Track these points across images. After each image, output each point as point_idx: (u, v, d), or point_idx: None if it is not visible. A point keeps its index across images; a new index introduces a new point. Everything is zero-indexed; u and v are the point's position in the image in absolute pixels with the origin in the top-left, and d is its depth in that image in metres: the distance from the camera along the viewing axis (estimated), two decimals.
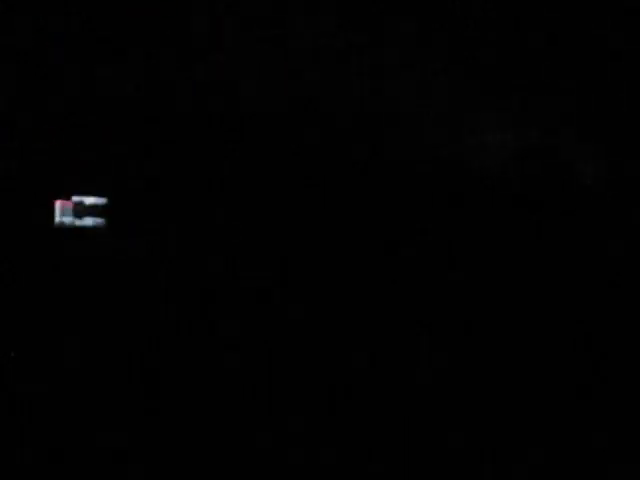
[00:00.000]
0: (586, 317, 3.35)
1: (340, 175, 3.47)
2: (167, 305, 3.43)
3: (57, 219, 3.45)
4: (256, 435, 3.28)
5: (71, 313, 3.37)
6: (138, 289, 3.40)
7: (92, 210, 3.48)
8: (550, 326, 3.36)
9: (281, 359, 3.38)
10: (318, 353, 3.39)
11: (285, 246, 3.47)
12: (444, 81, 3.33)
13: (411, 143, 3.42)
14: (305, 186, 3.49)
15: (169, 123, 3.44)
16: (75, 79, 3.37)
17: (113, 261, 3.43)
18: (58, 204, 3.45)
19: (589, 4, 3.20)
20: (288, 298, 3.43)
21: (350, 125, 3.43)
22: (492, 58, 3.36)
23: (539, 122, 3.40)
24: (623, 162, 3.32)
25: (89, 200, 3.47)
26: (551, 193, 3.41)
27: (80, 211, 3.47)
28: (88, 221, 3.46)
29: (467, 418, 3.29)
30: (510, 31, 3.31)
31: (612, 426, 3.22)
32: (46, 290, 3.38)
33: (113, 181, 3.45)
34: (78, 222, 3.46)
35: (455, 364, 3.36)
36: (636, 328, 3.31)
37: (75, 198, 3.48)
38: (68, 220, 3.45)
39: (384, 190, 3.48)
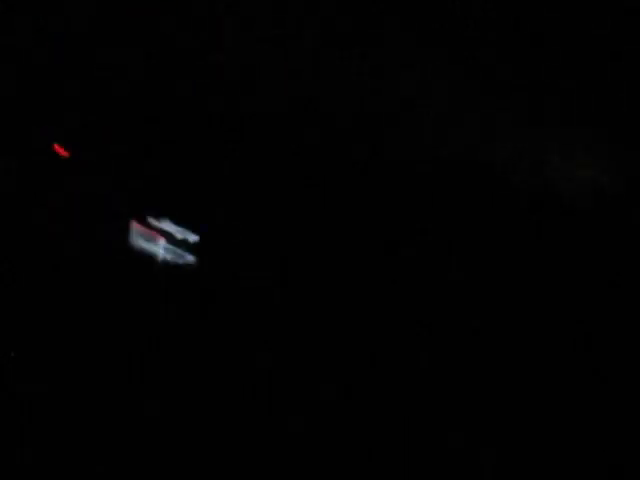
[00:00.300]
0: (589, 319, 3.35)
1: (340, 175, 3.47)
2: (167, 305, 3.43)
3: (140, 244, 3.40)
4: (256, 435, 3.29)
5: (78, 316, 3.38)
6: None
7: (183, 244, 3.43)
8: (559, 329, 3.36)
9: (282, 360, 3.38)
10: (318, 353, 3.40)
11: (285, 246, 3.47)
12: (444, 80, 3.33)
13: (411, 143, 3.42)
14: (305, 186, 3.49)
15: (168, 123, 3.45)
16: (75, 79, 3.37)
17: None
18: (139, 228, 3.41)
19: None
20: (288, 298, 3.44)
21: (350, 125, 3.43)
22: (493, 58, 3.36)
23: (538, 121, 3.40)
24: None
25: (183, 234, 3.42)
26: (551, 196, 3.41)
27: (174, 243, 3.42)
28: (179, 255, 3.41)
29: (467, 418, 3.29)
30: (510, 30, 3.31)
31: (612, 426, 3.22)
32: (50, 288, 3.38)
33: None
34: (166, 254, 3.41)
35: (455, 365, 3.36)
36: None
37: (170, 228, 3.43)
38: (153, 248, 3.40)
39: (384, 190, 3.49)
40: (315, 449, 3.26)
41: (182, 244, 3.42)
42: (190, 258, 3.39)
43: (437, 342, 3.38)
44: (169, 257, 3.40)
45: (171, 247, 3.40)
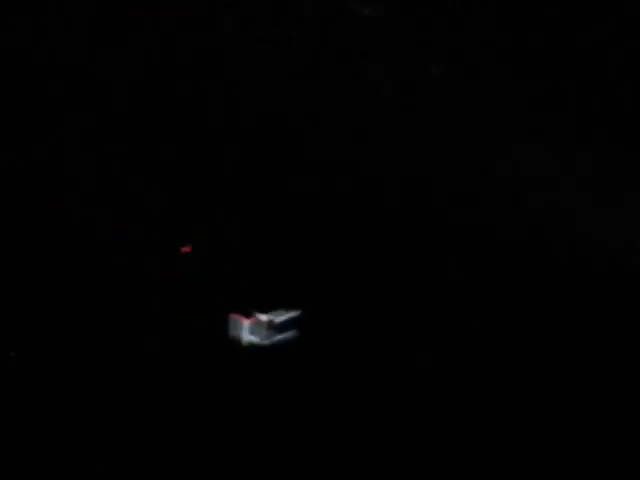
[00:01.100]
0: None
1: (340, 175, 3.48)
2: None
3: (245, 337, 3.36)
4: (256, 436, 3.29)
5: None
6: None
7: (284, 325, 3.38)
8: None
9: (281, 361, 3.38)
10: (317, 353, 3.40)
11: (285, 247, 3.47)
12: (442, 79, 3.34)
13: (411, 143, 3.42)
14: (305, 186, 3.49)
15: (168, 123, 3.45)
16: (73, 80, 3.37)
17: None
18: (243, 321, 3.38)
19: None
20: (287, 299, 3.43)
21: (349, 125, 3.43)
22: (491, 57, 3.36)
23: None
24: None
25: (281, 316, 3.37)
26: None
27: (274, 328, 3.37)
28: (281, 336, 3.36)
29: (467, 418, 3.29)
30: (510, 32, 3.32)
31: (612, 426, 3.22)
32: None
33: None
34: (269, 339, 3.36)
35: (455, 365, 3.36)
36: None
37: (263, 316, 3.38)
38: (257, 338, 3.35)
39: (383, 190, 3.49)
40: (315, 449, 3.26)
41: (267, 325, 3.37)
42: (277, 338, 3.34)
43: (437, 342, 3.38)
44: (254, 339, 3.35)
45: (256, 328, 3.35)
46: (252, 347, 3.34)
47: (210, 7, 3.28)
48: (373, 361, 3.35)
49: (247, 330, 3.34)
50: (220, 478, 3.23)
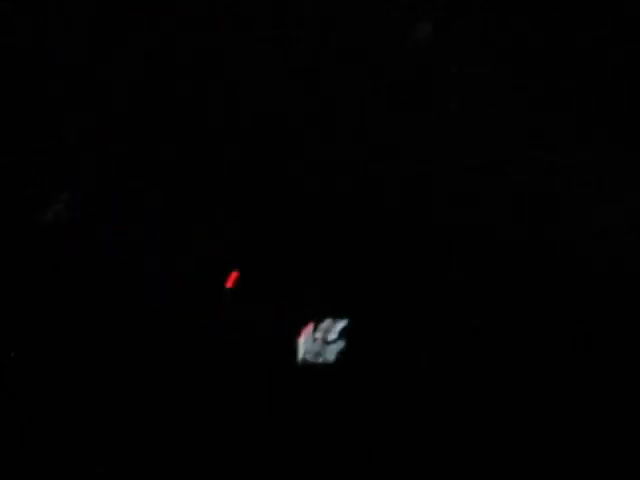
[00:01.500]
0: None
1: (340, 175, 3.48)
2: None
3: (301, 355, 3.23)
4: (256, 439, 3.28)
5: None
6: None
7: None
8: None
9: (281, 361, 3.38)
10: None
11: (285, 247, 3.47)
12: (442, 78, 3.34)
13: (412, 143, 3.42)
14: (305, 186, 3.49)
15: (168, 123, 3.45)
16: (73, 80, 3.37)
17: None
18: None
19: None
20: (288, 300, 3.43)
21: (349, 125, 3.43)
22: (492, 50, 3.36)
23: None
24: None
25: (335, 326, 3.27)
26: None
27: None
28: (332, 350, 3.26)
29: (467, 418, 3.29)
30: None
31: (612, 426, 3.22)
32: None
33: None
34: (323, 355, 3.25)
35: (455, 365, 3.36)
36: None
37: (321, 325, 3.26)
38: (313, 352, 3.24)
39: (383, 191, 3.49)
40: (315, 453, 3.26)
41: (321, 340, 3.29)
42: (330, 357, 3.26)
43: (437, 342, 3.38)
44: (309, 356, 3.26)
45: (310, 344, 3.26)
46: (306, 366, 3.27)
47: (210, 7, 3.28)
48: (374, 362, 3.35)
49: (301, 347, 3.25)
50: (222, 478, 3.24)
